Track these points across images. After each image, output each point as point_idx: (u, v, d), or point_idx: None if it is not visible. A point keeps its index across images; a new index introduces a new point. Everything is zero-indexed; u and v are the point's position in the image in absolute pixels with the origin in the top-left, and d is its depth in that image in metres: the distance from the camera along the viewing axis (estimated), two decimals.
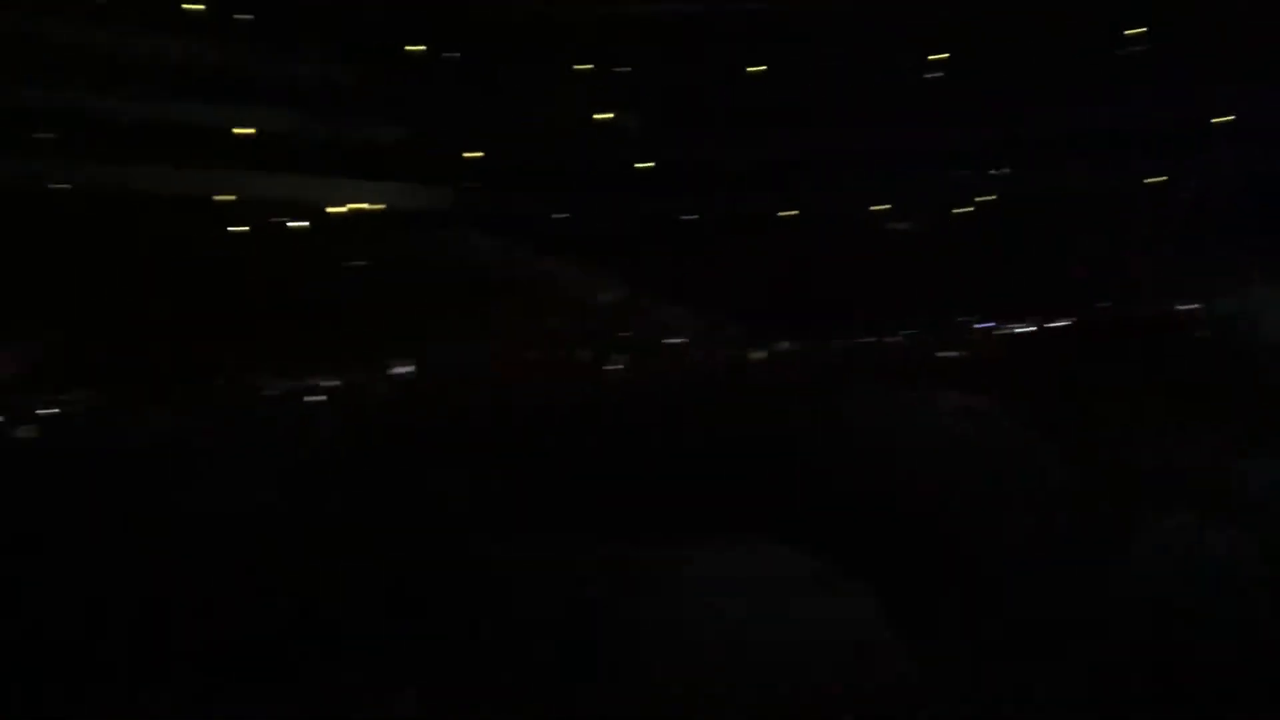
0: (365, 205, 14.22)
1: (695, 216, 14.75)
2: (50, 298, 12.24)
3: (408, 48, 14.53)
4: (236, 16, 13.75)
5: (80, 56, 12.78)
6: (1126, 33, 15.29)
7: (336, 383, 13.19)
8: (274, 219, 13.75)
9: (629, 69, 14.85)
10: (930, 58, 15.07)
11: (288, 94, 13.78)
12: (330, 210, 14.17)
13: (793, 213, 14.69)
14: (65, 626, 7.46)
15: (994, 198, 14.78)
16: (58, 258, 12.19)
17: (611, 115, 14.70)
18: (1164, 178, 14.88)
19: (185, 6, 13.48)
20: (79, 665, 6.95)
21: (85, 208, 12.79)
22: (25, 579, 7.98)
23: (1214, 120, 14.99)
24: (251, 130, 13.70)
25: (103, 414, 11.74)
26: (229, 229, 13.58)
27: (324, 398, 12.50)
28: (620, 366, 13.16)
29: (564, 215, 14.55)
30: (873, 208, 14.67)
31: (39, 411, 11.37)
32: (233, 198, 13.56)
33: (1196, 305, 13.32)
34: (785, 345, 12.88)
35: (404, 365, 13.51)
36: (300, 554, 8.90)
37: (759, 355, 12.95)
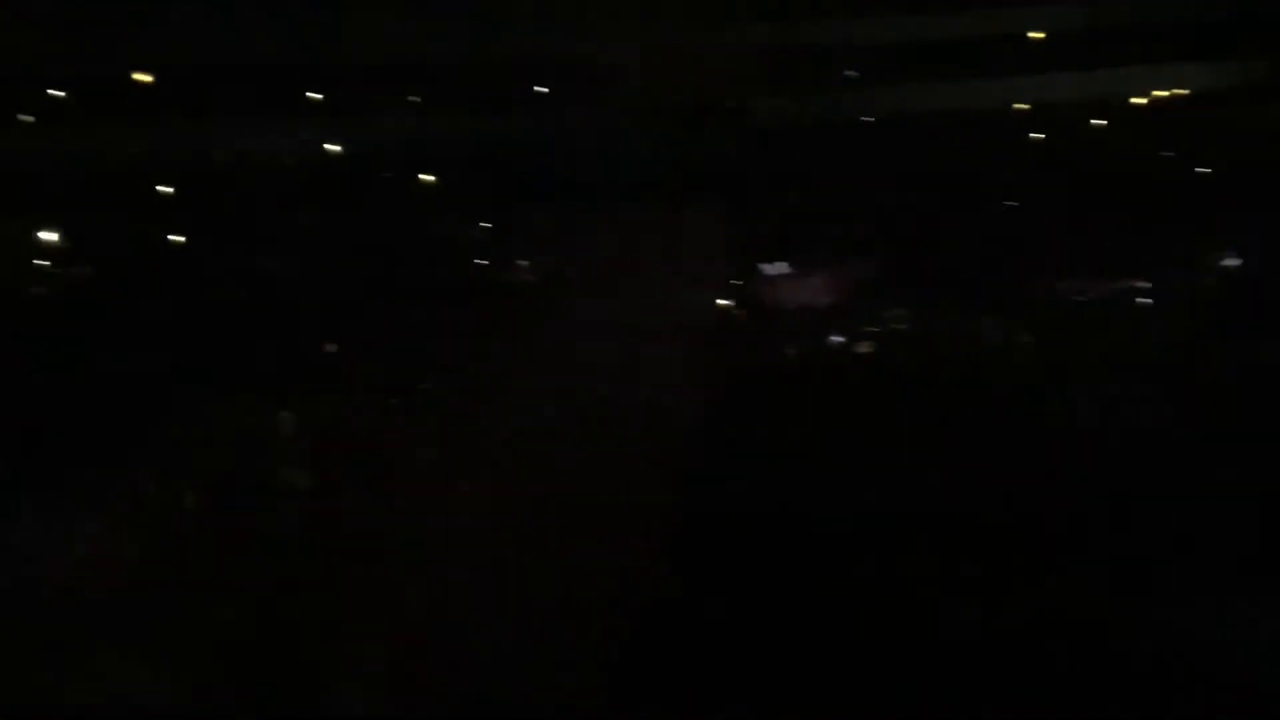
0: (1175, 91, 13.36)
1: None
2: (870, 226, 12.76)
3: None
4: None
5: None
6: None
7: (1150, 285, 12.57)
8: (1075, 119, 13.34)
9: None
10: None
11: None
12: (1134, 101, 13.49)
13: None
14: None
15: None
16: (875, 186, 12.66)
17: None
18: None
19: None
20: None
21: (888, 135, 13.14)
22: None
23: None
24: (1041, 35, 13.35)
25: (925, 330, 12.11)
26: (1030, 135, 13.38)
27: (1150, 301, 11.94)
28: None
29: None
30: None
31: (869, 329, 11.95)
32: (1028, 107, 13.33)
33: None
34: None
35: (1233, 259, 12.58)
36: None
37: None
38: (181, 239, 11.26)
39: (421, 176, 11.85)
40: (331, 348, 11.15)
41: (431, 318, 10.92)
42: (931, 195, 12.83)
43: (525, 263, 11.91)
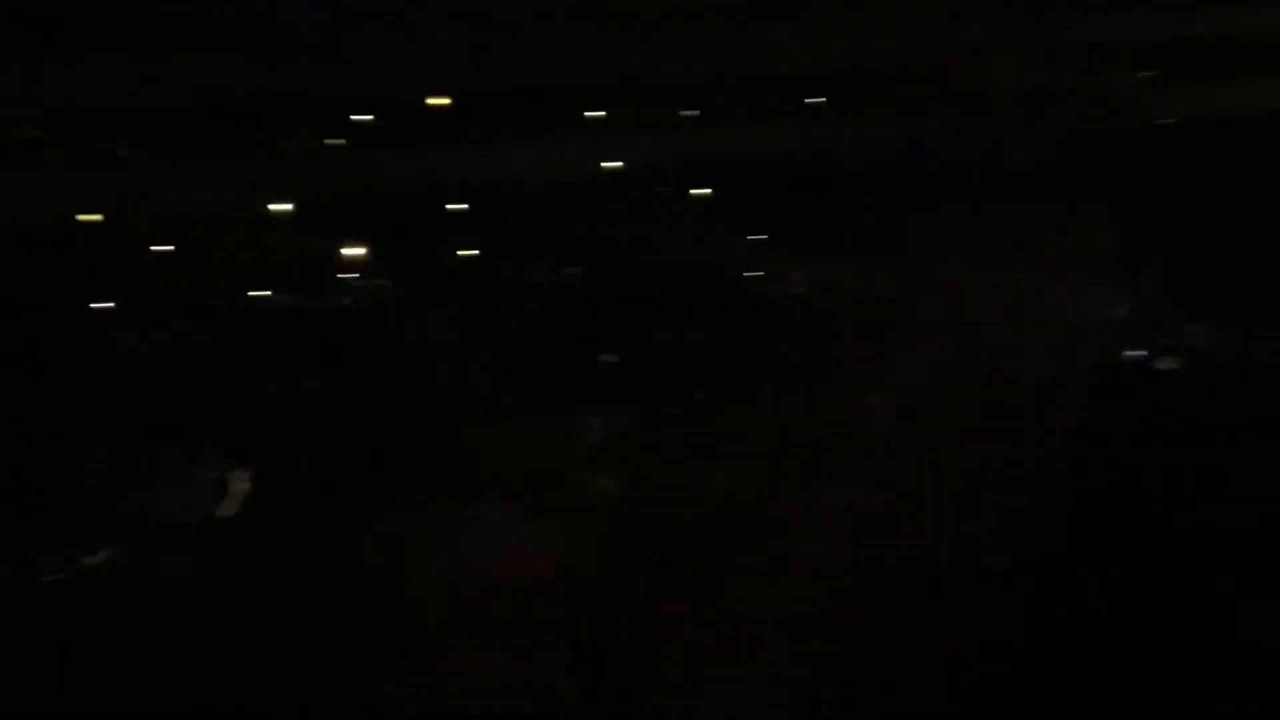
0: None
1: None
2: (1166, 232, 12.19)
3: None
4: None
5: None
6: None
7: None
8: None
9: None
10: None
11: None
12: None
13: None
14: None
15: None
16: (1171, 190, 12.09)
17: None
18: None
19: None
20: None
21: (1185, 136, 12.54)
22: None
23: None
24: None
25: (1231, 346, 11.47)
26: None
27: None
28: None
29: None
30: None
31: (1169, 344, 11.36)
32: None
33: None
34: None
35: None
36: None
37: None
38: (474, 253, 11.69)
39: (693, 191, 12.01)
40: (611, 358, 11.39)
41: (726, 328, 11.01)
42: (1237, 201, 12.18)
43: (799, 275, 11.94)
